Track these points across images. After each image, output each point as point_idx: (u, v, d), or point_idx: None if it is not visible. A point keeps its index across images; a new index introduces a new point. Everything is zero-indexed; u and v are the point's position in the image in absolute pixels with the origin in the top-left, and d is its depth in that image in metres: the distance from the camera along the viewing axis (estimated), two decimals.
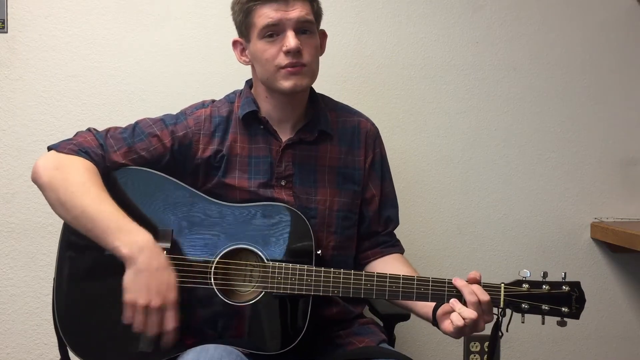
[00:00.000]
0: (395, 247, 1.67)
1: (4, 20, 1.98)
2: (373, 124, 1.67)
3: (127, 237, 1.33)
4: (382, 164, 1.66)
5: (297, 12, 1.45)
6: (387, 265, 1.61)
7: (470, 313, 1.34)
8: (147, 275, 1.30)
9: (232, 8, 1.54)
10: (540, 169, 2.20)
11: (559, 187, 2.21)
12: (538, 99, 2.19)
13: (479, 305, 1.35)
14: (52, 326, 1.43)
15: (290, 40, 1.44)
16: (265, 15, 1.45)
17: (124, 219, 1.35)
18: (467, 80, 2.16)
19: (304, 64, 1.47)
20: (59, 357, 1.49)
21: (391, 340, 1.69)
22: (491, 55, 2.17)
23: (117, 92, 2.03)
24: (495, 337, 1.42)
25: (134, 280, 1.30)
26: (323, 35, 1.58)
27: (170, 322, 1.32)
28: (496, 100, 2.18)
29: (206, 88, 2.03)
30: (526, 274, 1.39)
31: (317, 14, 1.53)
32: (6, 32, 1.99)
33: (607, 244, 2.19)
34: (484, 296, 1.36)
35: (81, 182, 1.39)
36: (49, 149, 1.48)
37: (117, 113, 2.01)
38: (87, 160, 1.44)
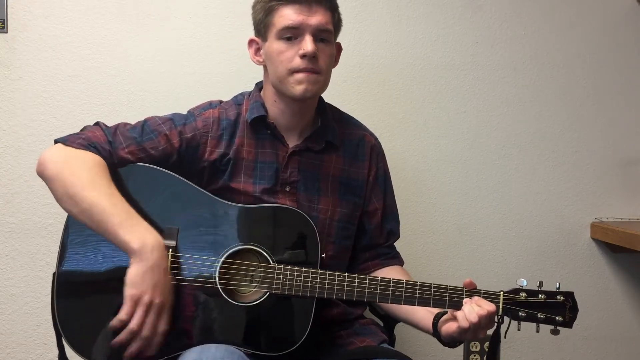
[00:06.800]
0: (395, 258, 1.69)
1: (4, 20, 1.98)
2: (377, 139, 1.69)
3: (138, 233, 1.33)
4: (385, 178, 1.68)
5: (318, 18, 1.46)
6: (386, 275, 1.60)
7: (476, 318, 1.35)
8: (157, 273, 1.31)
9: (254, 7, 1.54)
10: (540, 169, 2.20)
11: (559, 187, 2.21)
12: (538, 99, 2.19)
13: (487, 316, 1.37)
14: (52, 326, 1.43)
15: (308, 44, 1.45)
16: (287, 16, 1.46)
17: (135, 215, 1.37)
18: (467, 80, 2.16)
19: (317, 71, 1.47)
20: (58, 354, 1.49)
21: (391, 341, 1.69)
22: (491, 55, 2.16)
23: (117, 92, 2.03)
24: (496, 344, 1.43)
25: (141, 276, 1.31)
26: (338, 47, 1.59)
27: (163, 324, 1.33)
28: (496, 100, 2.18)
29: (206, 88, 2.03)
30: (523, 282, 1.43)
31: (337, 25, 1.54)
32: (6, 32, 1.98)
33: (607, 244, 2.19)
34: (491, 307, 1.37)
35: (90, 176, 1.40)
36: (56, 142, 1.47)
37: (117, 113, 2.01)
38: (95, 155, 1.45)
